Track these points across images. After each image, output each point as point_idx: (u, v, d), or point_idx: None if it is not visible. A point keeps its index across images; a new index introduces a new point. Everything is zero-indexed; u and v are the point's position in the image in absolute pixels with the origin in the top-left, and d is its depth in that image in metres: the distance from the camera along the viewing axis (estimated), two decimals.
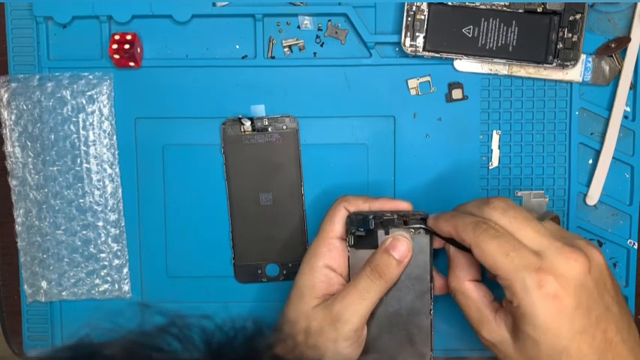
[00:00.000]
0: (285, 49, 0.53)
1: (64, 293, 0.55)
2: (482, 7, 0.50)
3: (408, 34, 0.51)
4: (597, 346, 0.40)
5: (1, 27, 0.54)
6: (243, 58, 0.53)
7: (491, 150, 0.54)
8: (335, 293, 0.46)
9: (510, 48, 0.51)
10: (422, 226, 0.46)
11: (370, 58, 0.53)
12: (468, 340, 0.54)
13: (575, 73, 0.52)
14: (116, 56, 0.51)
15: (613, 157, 0.53)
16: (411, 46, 0.51)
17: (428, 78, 0.53)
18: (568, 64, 0.51)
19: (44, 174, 0.54)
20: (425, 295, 0.47)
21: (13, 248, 0.55)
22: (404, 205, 0.48)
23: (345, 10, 0.52)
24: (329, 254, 0.47)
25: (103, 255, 0.55)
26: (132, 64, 0.52)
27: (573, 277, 0.39)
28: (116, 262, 0.55)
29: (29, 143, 0.54)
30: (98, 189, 0.54)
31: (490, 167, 0.54)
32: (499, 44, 0.51)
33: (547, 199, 0.53)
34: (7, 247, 0.56)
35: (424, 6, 0.51)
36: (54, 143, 0.54)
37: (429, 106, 0.53)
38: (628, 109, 0.53)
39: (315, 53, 0.53)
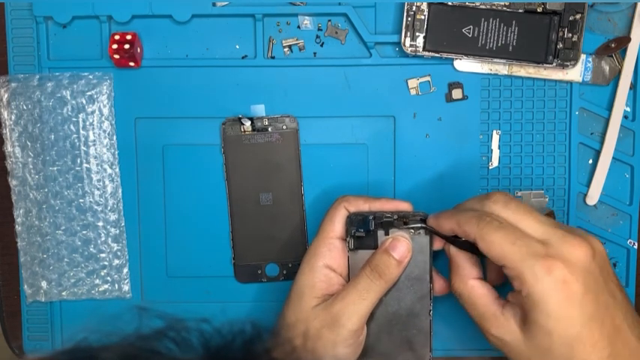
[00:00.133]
0: (285, 49, 0.53)
1: (64, 293, 0.55)
2: (482, 7, 0.50)
3: (408, 34, 0.51)
4: (607, 332, 0.40)
5: (1, 27, 0.54)
6: (243, 58, 0.53)
7: (491, 150, 0.54)
8: (335, 293, 0.46)
9: (510, 48, 0.51)
10: (422, 225, 0.46)
11: (370, 58, 0.53)
12: (467, 341, 0.54)
13: (575, 73, 0.52)
14: (116, 56, 0.51)
15: (613, 157, 0.53)
16: (411, 46, 0.51)
17: (428, 78, 0.53)
18: (568, 64, 0.51)
19: (44, 174, 0.54)
20: (424, 295, 0.47)
21: (13, 248, 0.55)
22: (404, 206, 0.48)
23: (345, 10, 0.52)
24: (329, 254, 0.47)
25: (103, 255, 0.55)
26: (132, 64, 0.52)
27: (580, 263, 0.40)
28: (116, 262, 0.55)
29: (29, 143, 0.54)
30: (98, 189, 0.54)
31: (490, 167, 0.54)
32: (499, 44, 0.51)
33: (547, 199, 0.53)
34: (7, 247, 0.56)
35: (424, 6, 0.51)
36: (54, 143, 0.54)
37: (429, 106, 0.53)
38: (628, 109, 0.53)
39: (315, 53, 0.53)
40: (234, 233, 0.54)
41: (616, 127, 0.52)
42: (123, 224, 0.54)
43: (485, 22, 0.51)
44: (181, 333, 0.30)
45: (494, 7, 0.50)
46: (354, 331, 0.45)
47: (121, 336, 0.30)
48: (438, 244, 0.47)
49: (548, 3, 0.50)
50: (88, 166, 0.54)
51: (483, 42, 0.51)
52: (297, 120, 0.53)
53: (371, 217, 0.47)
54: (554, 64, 0.51)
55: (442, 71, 0.53)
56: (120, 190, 0.54)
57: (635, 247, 0.54)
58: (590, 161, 0.54)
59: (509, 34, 0.51)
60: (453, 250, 0.45)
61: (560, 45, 0.50)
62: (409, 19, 0.51)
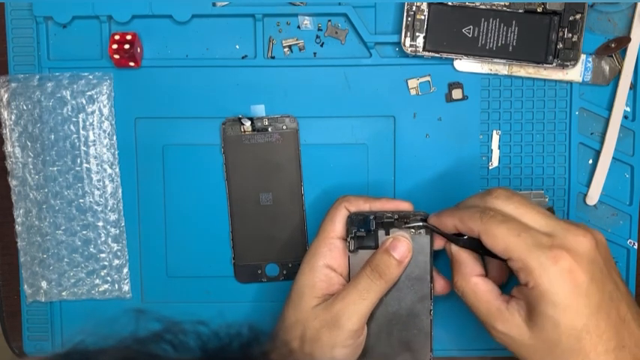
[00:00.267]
0: (285, 49, 0.53)
1: (64, 293, 0.55)
2: (482, 7, 0.50)
3: (408, 34, 0.51)
4: (613, 323, 0.40)
5: (1, 27, 0.54)
6: (243, 58, 0.53)
7: (491, 150, 0.54)
8: (335, 293, 0.46)
9: (510, 48, 0.51)
10: (423, 224, 0.46)
11: (370, 58, 0.53)
12: (467, 342, 0.54)
13: (575, 73, 0.52)
14: (116, 56, 0.51)
15: (613, 157, 0.53)
16: (411, 46, 0.51)
17: (428, 78, 0.53)
18: (568, 64, 0.51)
19: (44, 174, 0.54)
20: (425, 295, 0.47)
21: (13, 248, 0.55)
22: (404, 206, 0.48)
23: (345, 10, 0.52)
24: (329, 254, 0.47)
25: (103, 255, 0.55)
26: (132, 64, 0.52)
27: (585, 253, 0.40)
28: (116, 262, 0.55)
29: (29, 143, 0.54)
30: (98, 189, 0.54)
31: (490, 167, 0.54)
32: (499, 44, 0.51)
33: (547, 199, 0.53)
34: (7, 247, 0.56)
35: (424, 6, 0.51)
36: (54, 143, 0.54)
37: (429, 106, 0.53)
38: (628, 109, 0.53)
39: (315, 53, 0.53)
40: (234, 233, 0.54)
41: (616, 127, 0.52)
42: (123, 224, 0.54)
43: (485, 22, 0.51)
44: (178, 335, 0.30)
45: (494, 7, 0.50)
46: (354, 331, 0.45)
47: (118, 339, 0.30)
48: (439, 243, 0.47)
49: (548, 3, 0.50)
50: (88, 166, 0.54)
51: (483, 42, 0.51)
52: (297, 120, 0.53)
53: (371, 217, 0.47)
54: (554, 64, 0.51)
55: (442, 71, 0.53)
56: (120, 190, 0.54)
57: (635, 247, 0.54)
58: (590, 161, 0.54)
59: (509, 34, 0.51)
60: (454, 249, 0.45)
61: (560, 45, 0.50)
62: (409, 19, 0.51)
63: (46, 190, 0.54)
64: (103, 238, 0.54)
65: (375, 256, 0.46)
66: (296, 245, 0.54)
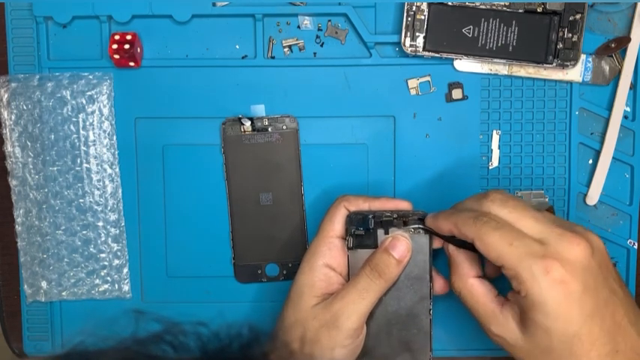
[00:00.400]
0: (285, 49, 0.53)
1: (64, 293, 0.55)
2: (482, 7, 0.50)
3: (408, 34, 0.51)
4: (607, 328, 0.40)
5: (1, 27, 0.54)
6: (243, 58, 0.54)
7: (491, 150, 0.54)
8: (334, 292, 0.46)
9: (510, 48, 0.51)
10: (421, 226, 0.46)
11: (370, 58, 0.53)
12: (466, 342, 0.54)
13: (575, 73, 0.52)
14: (116, 56, 0.51)
15: (613, 157, 0.53)
16: (411, 46, 0.51)
17: (428, 78, 0.53)
18: (568, 64, 0.51)
19: (44, 174, 0.54)
20: (424, 295, 0.47)
21: (13, 248, 0.55)
22: (404, 205, 0.48)
23: (345, 10, 0.52)
24: (329, 253, 0.47)
25: (103, 255, 0.55)
26: (132, 64, 0.52)
27: (578, 261, 0.40)
28: (116, 262, 0.55)
29: (29, 143, 0.54)
30: (98, 189, 0.54)
31: (490, 167, 0.54)
32: (499, 44, 0.51)
33: (547, 199, 0.53)
34: (7, 247, 0.56)
35: (424, 6, 0.51)
36: (54, 143, 0.54)
37: (429, 106, 0.53)
38: (628, 109, 0.53)
39: (315, 53, 0.53)
40: (234, 233, 0.54)
41: (616, 127, 0.52)
42: (123, 224, 0.54)
43: (485, 22, 0.51)
44: (178, 336, 0.30)
45: (494, 7, 0.50)
46: (354, 330, 0.45)
47: (118, 340, 0.30)
48: (438, 242, 0.47)
49: (548, 3, 0.50)
50: (88, 166, 0.54)
51: (483, 42, 0.51)
52: (297, 120, 0.53)
53: (371, 217, 0.47)
54: (554, 64, 0.51)
55: (442, 71, 0.53)
56: (120, 190, 0.54)
57: (635, 247, 0.54)
58: (590, 161, 0.54)
59: (509, 34, 0.51)
60: (452, 249, 0.45)
61: (560, 45, 0.50)
62: (409, 19, 0.51)
63: (46, 190, 0.54)
64: (103, 238, 0.54)
65: (374, 256, 0.46)
66: (296, 245, 0.54)
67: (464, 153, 0.54)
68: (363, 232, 0.47)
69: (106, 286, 0.55)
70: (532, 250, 0.40)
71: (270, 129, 0.53)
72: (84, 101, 0.53)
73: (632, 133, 0.53)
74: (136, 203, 0.55)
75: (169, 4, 0.52)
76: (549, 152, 0.53)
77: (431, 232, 0.46)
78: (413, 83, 0.53)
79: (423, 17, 0.51)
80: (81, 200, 0.54)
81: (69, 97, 0.53)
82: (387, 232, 0.47)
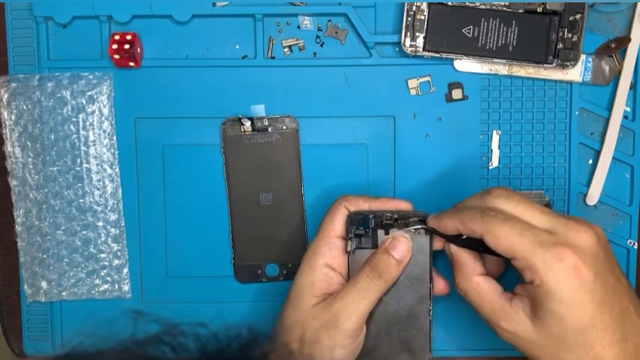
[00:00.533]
0: (285, 49, 0.53)
1: (64, 293, 0.55)
2: (482, 7, 0.50)
3: (408, 34, 0.51)
4: (617, 315, 0.40)
5: (1, 27, 0.54)
6: (243, 58, 0.53)
7: (491, 150, 0.54)
8: (334, 292, 0.46)
9: (510, 48, 0.51)
10: (422, 226, 0.46)
11: (370, 58, 0.53)
12: (466, 342, 0.54)
13: (575, 73, 0.52)
14: (116, 56, 0.51)
15: (613, 157, 0.53)
16: (411, 46, 0.51)
17: (428, 78, 0.53)
18: (568, 64, 0.51)
19: (44, 174, 0.54)
20: (424, 295, 0.47)
21: (13, 248, 0.55)
22: (404, 205, 0.48)
23: (345, 10, 0.52)
24: (329, 253, 0.47)
25: (103, 255, 0.55)
26: (132, 64, 0.52)
27: (587, 248, 0.40)
28: (116, 262, 0.55)
29: (29, 143, 0.54)
30: (98, 189, 0.54)
31: (490, 167, 0.54)
32: (499, 44, 0.51)
33: (547, 199, 0.53)
34: (7, 247, 0.56)
35: (424, 6, 0.51)
36: (54, 143, 0.54)
37: (429, 106, 0.53)
38: (628, 109, 0.53)
39: (315, 53, 0.53)
40: (234, 233, 0.54)
41: (616, 127, 0.52)
42: (123, 224, 0.54)
43: (485, 22, 0.51)
44: (177, 337, 0.30)
45: (494, 7, 0.50)
46: (353, 330, 0.45)
47: (117, 341, 0.30)
48: (438, 243, 0.47)
49: (548, 3, 0.50)
50: (88, 166, 0.54)
51: (483, 42, 0.51)
52: (297, 120, 0.53)
53: (371, 217, 0.47)
54: (554, 64, 0.51)
55: (442, 71, 0.53)
56: (120, 190, 0.54)
57: (635, 247, 0.54)
58: (590, 161, 0.54)
59: (509, 34, 0.51)
60: (455, 249, 0.45)
61: (560, 45, 0.50)
62: (409, 19, 0.51)
63: (46, 190, 0.54)
64: (103, 238, 0.54)
65: (374, 256, 0.46)
66: (296, 245, 0.54)
67: (464, 153, 0.54)
68: (364, 232, 0.47)
69: (106, 286, 0.55)
70: (543, 239, 0.40)
71: (270, 129, 0.53)
72: (84, 101, 0.53)
73: (632, 133, 0.53)
74: (136, 203, 0.55)
75: (169, 4, 0.52)
76: (549, 152, 0.53)
77: (433, 232, 0.46)
78: (413, 83, 0.53)
79: (423, 17, 0.51)
80: (81, 200, 0.54)
81: (69, 97, 0.53)
82: (387, 233, 0.47)
